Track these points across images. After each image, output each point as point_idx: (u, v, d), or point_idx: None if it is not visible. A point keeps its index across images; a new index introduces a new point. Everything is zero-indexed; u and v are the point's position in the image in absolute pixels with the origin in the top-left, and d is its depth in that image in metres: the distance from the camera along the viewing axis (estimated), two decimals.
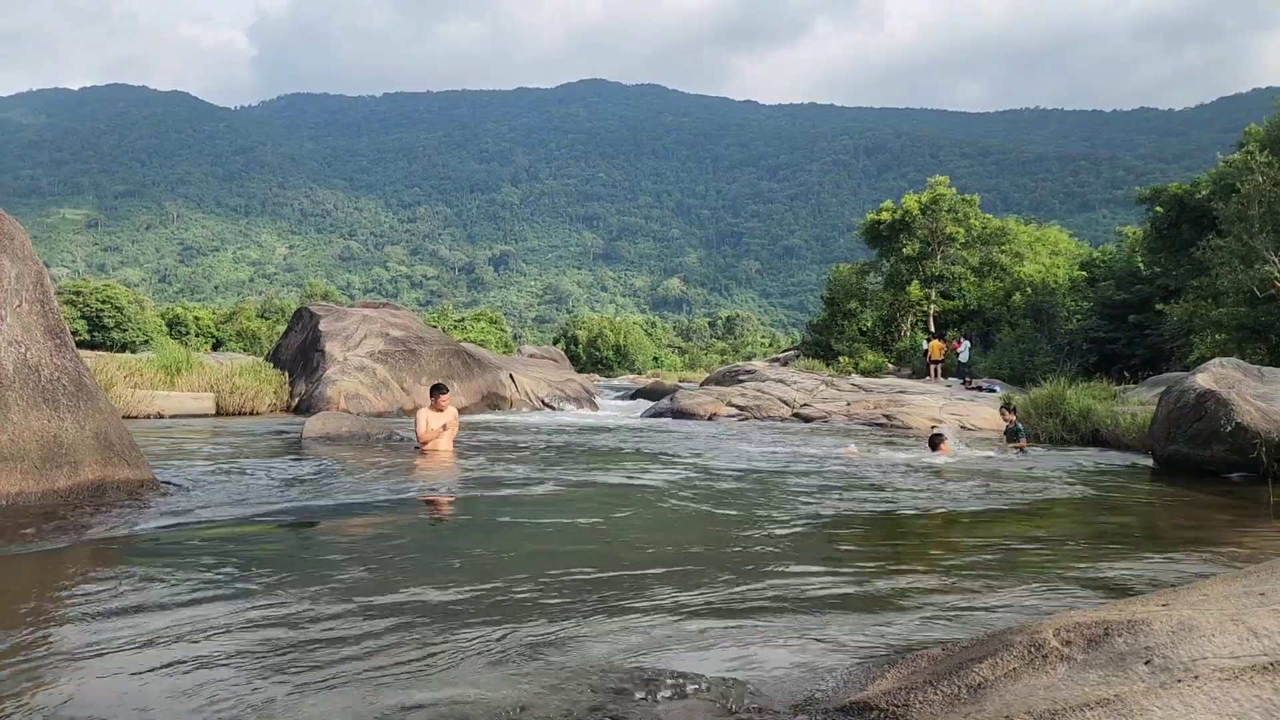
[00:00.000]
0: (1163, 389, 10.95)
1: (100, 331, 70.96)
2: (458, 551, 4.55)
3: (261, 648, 2.93)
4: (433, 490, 7.20)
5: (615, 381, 60.36)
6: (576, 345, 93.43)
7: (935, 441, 11.08)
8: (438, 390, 9.99)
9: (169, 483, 6.61)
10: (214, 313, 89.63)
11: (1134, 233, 34.89)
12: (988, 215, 44.62)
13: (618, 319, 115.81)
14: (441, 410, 9.88)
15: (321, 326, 19.67)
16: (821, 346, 42.92)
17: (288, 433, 12.22)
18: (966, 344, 29.39)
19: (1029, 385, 21.23)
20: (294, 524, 5.42)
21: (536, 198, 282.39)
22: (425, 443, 9.63)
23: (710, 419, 18.75)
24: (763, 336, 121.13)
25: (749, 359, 69.39)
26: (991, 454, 11.42)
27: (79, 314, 69.95)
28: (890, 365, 38.08)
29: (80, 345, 15.59)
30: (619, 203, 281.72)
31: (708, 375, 34.08)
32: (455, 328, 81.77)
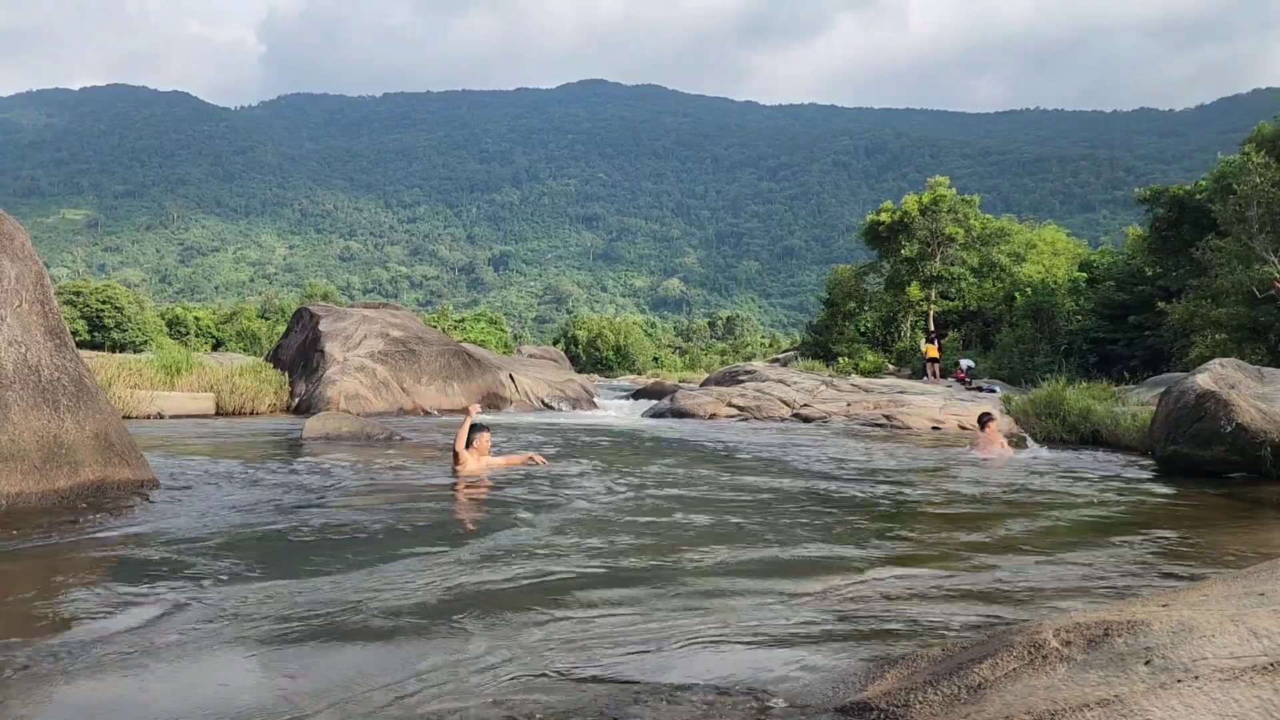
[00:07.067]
0: (1163, 389, 10.94)
1: (100, 331, 71.00)
2: (458, 550, 4.55)
3: (260, 646, 2.93)
4: (432, 491, 7.20)
5: (615, 382, 60.41)
6: (576, 345, 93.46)
7: (984, 420, 10.83)
8: (476, 430, 7.85)
9: (169, 483, 6.61)
10: (214, 313, 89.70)
11: (1135, 231, 34.85)
12: (987, 215, 44.62)
13: (618, 319, 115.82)
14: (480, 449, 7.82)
15: (321, 327, 19.67)
16: (821, 347, 42.90)
17: (288, 433, 12.21)
18: (969, 364, 29.13)
19: (1028, 386, 21.20)
20: (293, 524, 5.41)
21: (536, 198, 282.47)
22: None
23: (710, 419, 18.74)
24: (762, 337, 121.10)
25: (749, 359, 69.43)
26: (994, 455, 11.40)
27: (79, 314, 70.00)
28: (890, 366, 38.07)
29: (80, 345, 15.59)
30: (619, 203, 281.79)
31: (708, 375, 34.01)
32: (455, 328, 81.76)
